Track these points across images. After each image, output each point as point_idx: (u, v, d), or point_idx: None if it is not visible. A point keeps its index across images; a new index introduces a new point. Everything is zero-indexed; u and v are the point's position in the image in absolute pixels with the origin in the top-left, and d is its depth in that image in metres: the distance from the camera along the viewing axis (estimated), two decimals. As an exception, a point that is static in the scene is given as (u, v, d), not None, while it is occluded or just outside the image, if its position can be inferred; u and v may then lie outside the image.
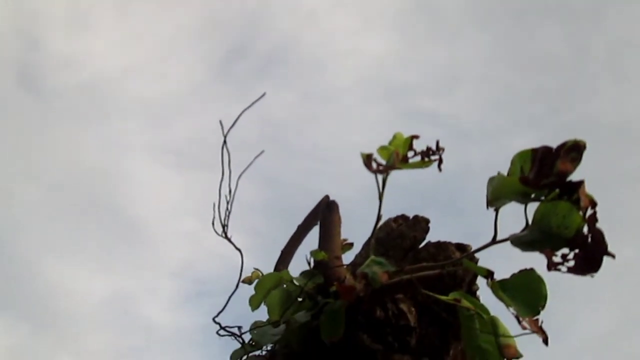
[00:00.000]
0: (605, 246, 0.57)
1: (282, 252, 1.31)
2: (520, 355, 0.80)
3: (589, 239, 0.59)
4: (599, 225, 0.58)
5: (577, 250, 0.60)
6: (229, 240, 0.91)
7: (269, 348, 1.10)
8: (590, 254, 0.58)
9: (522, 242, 0.66)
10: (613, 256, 0.57)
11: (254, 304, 0.96)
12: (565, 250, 0.61)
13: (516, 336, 0.78)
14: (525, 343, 0.82)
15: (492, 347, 0.84)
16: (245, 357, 1.04)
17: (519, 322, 0.71)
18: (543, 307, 0.75)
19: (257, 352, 1.09)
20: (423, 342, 0.93)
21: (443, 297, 0.88)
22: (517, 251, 0.83)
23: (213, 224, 0.89)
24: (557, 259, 0.62)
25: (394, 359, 0.87)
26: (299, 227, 1.29)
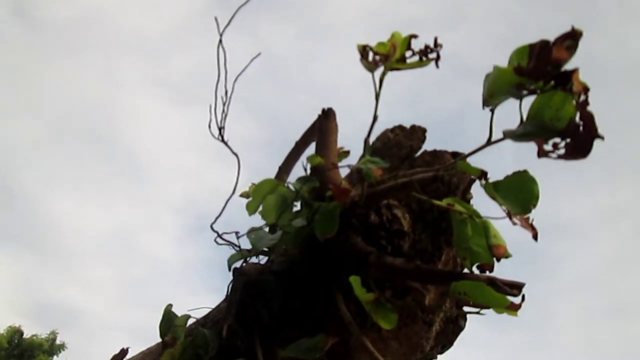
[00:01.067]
0: (595, 129, 0.57)
1: (280, 168, 1.32)
2: (510, 255, 0.82)
3: (581, 128, 0.59)
4: (589, 109, 0.58)
5: (568, 140, 0.61)
6: (225, 143, 0.91)
7: (265, 258, 1.13)
8: (580, 140, 0.59)
9: (515, 135, 0.66)
10: (602, 138, 0.58)
11: (251, 208, 0.97)
12: (556, 140, 0.62)
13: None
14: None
15: (482, 249, 0.86)
16: (242, 261, 1.06)
17: (510, 219, 0.72)
18: (535, 205, 0.76)
19: (254, 260, 1.12)
20: (416, 247, 0.95)
21: (437, 202, 0.89)
22: (511, 162, 0.84)
23: (209, 126, 0.89)
24: (548, 147, 0.62)
25: (387, 261, 0.89)
26: (297, 143, 1.30)
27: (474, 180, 0.97)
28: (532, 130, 0.64)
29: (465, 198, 0.97)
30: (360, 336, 0.84)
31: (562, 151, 0.61)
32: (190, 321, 1.20)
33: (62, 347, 12.55)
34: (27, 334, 12.33)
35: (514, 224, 0.71)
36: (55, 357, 12.48)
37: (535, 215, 0.76)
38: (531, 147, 0.69)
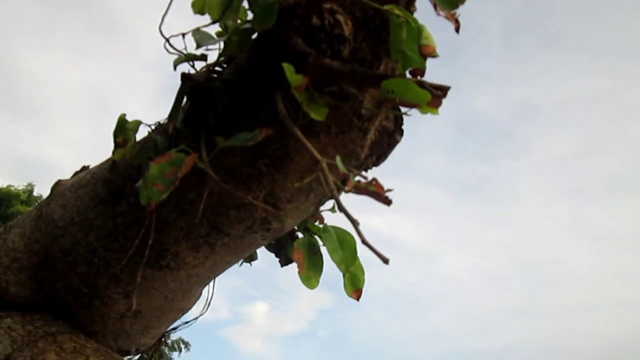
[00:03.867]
0: None
1: None
2: (437, 55, 0.85)
3: None
4: None
5: None
6: None
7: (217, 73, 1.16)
8: None
9: None
10: None
11: (197, 7, 0.98)
12: None
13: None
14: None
15: (415, 54, 0.89)
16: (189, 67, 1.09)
17: (436, 10, 0.75)
18: (463, 2, 0.78)
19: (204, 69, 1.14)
20: (355, 54, 0.98)
21: (378, 6, 0.91)
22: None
23: None
24: None
25: (324, 63, 0.92)
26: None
27: (418, -7, 0.98)
28: None
29: (409, 10, 0.98)
30: (293, 128, 0.89)
31: None
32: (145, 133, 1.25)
33: (39, 198, 12.79)
34: (2, 184, 12.50)
35: (438, 14, 0.73)
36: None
37: (511, 97, 0.78)
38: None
